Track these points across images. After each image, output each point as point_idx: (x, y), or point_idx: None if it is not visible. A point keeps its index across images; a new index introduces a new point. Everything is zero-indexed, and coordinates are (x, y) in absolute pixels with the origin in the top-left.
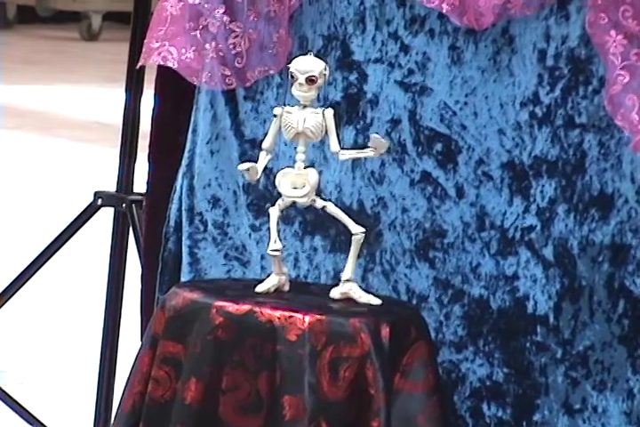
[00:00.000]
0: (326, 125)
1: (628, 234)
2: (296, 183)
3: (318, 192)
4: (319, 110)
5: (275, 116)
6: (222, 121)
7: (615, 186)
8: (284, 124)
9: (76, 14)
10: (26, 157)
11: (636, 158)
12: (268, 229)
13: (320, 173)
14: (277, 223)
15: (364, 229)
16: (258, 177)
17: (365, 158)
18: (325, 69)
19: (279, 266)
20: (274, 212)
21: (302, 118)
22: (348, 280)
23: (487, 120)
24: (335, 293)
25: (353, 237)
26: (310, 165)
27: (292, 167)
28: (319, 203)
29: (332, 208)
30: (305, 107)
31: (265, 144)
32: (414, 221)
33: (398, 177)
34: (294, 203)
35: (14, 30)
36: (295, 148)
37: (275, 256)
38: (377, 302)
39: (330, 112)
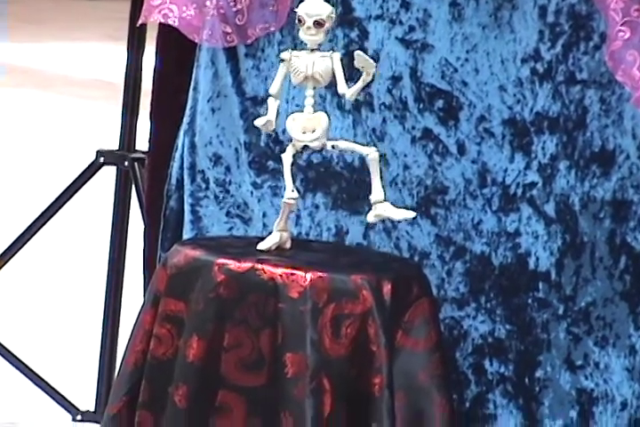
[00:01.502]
0: (333, 69)
1: (629, 190)
2: (307, 128)
3: (319, 149)
4: (327, 54)
5: (282, 60)
6: (223, 78)
7: (616, 142)
8: (292, 69)
9: None
10: (28, 114)
11: (637, 114)
12: (270, 186)
13: None
14: (291, 169)
15: (375, 149)
16: (274, 127)
17: (367, 116)
18: (332, 13)
19: (284, 220)
20: (286, 158)
21: (311, 62)
22: (378, 202)
23: (488, 76)
24: (370, 217)
25: (367, 159)
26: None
27: (301, 112)
28: (329, 144)
29: (343, 144)
30: (313, 51)
31: (272, 89)
32: (416, 178)
33: (399, 134)
34: (305, 147)
35: None
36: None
37: (289, 204)
38: (412, 215)
39: (337, 55)
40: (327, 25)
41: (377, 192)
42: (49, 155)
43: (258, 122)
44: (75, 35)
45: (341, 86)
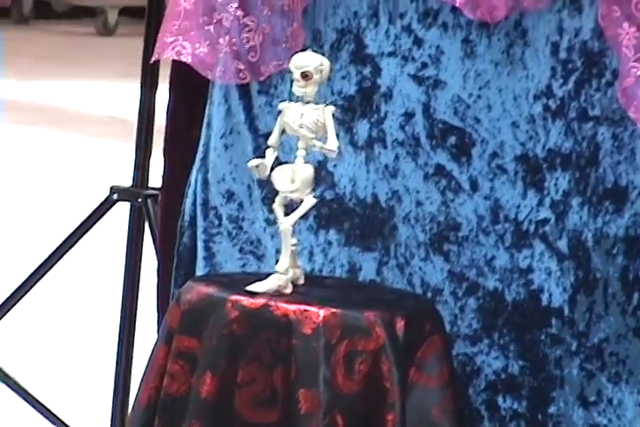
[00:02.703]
0: (325, 122)
1: None
2: (294, 179)
3: (332, 186)
4: (319, 106)
5: (279, 112)
6: (236, 115)
7: (629, 178)
8: (284, 120)
9: (92, 9)
10: (42, 152)
11: None
12: None
13: (334, 166)
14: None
15: (291, 223)
16: (267, 173)
17: (379, 153)
18: (322, 65)
19: (293, 260)
20: (277, 208)
21: (299, 114)
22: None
23: (501, 113)
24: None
25: (280, 226)
26: (324, 158)
27: (293, 163)
28: (305, 197)
29: (305, 201)
30: (308, 102)
31: (271, 140)
32: (428, 215)
33: (412, 170)
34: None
35: (30, 25)
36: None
37: (284, 231)
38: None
39: (329, 109)
40: (316, 77)
41: (280, 263)
42: (63, 191)
43: (251, 163)
44: (88, 72)
45: (331, 142)
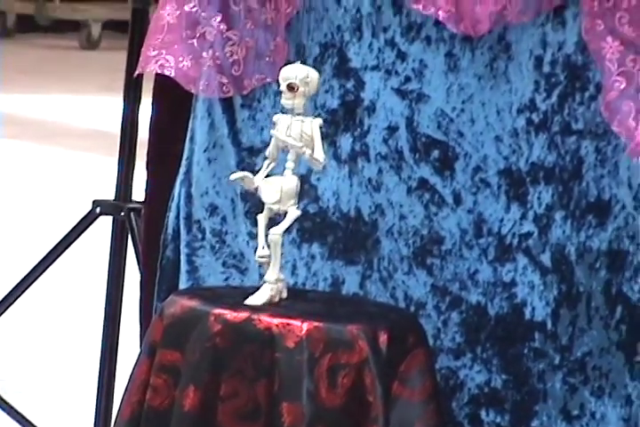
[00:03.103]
0: (313, 135)
1: (625, 240)
2: (278, 190)
3: (315, 199)
4: (307, 119)
5: (274, 123)
6: (220, 129)
7: (612, 192)
8: (273, 132)
9: (76, 23)
10: (25, 165)
11: (633, 165)
12: None
13: (318, 180)
14: (265, 230)
15: (280, 233)
16: (255, 186)
17: (363, 166)
18: (308, 77)
19: (275, 268)
20: (261, 219)
21: (286, 126)
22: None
23: (484, 127)
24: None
25: (269, 237)
26: (308, 172)
27: (281, 175)
28: (289, 209)
29: (289, 213)
30: (297, 115)
31: (267, 151)
32: (412, 228)
33: (395, 184)
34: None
35: (14, 39)
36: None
37: (262, 263)
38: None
39: (316, 122)
40: (302, 89)
41: (270, 273)
42: (45, 205)
43: (233, 176)
44: (71, 85)
45: (317, 154)
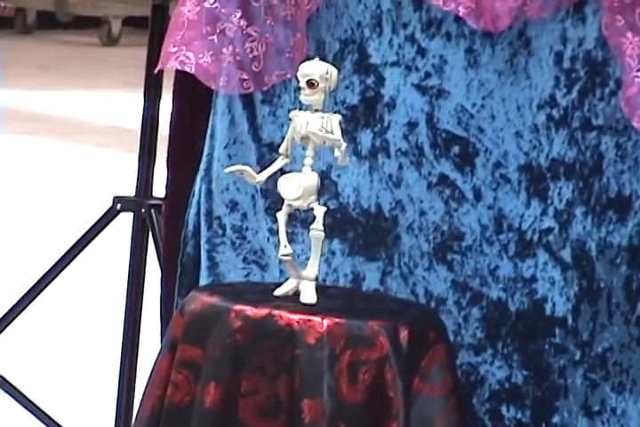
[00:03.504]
0: (333, 131)
1: None
2: (299, 187)
3: (336, 195)
4: (326, 115)
5: (290, 119)
6: (240, 125)
7: (632, 188)
8: (293, 128)
9: (96, 19)
10: (45, 162)
11: None
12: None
13: (338, 176)
14: (285, 227)
15: (322, 230)
16: (257, 180)
17: (383, 162)
18: (327, 73)
19: (294, 270)
20: (280, 216)
21: (306, 122)
22: (308, 278)
23: (504, 123)
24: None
25: (311, 236)
26: (328, 168)
27: (301, 171)
28: (313, 206)
29: (317, 210)
30: (316, 111)
31: (281, 148)
32: (432, 224)
33: (416, 180)
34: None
35: (34, 36)
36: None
37: (285, 261)
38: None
39: (336, 117)
40: (322, 85)
41: (310, 270)
42: (66, 202)
43: (229, 169)
44: (92, 82)
45: (340, 147)
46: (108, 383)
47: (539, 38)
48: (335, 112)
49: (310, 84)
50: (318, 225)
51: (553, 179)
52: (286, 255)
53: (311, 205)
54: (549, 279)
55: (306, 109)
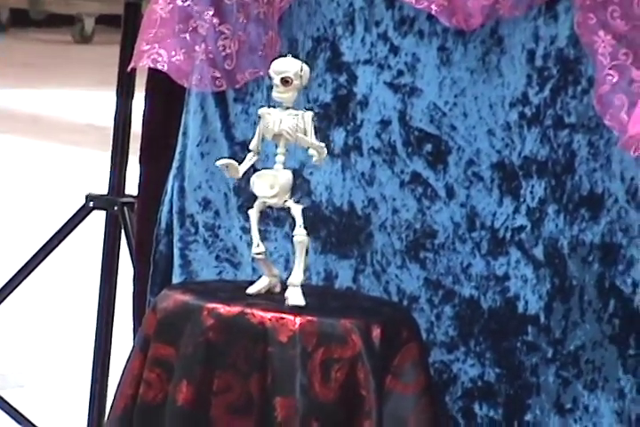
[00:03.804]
0: (305, 128)
1: (618, 233)
2: (272, 185)
3: (308, 193)
4: (299, 112)
5: (259, 117)
6: (213, 123)
7: (605, 186)
8: (264, 125)
9: (69, 17)
10: (18, 160)
11: (626, 158)
12: (259, 231)
13: (311, 174)
14: (258, 225)
15: (305, 233)
16: (239, 175)
17: (356, 160)
18: (302, 71)
19: (267, 268)
20: (252, 213)
21: (279, 119)
22: (293, 285)
23: (477, 121)
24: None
25: (294, 241)
26: (300, 166)
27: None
28: (289, 204)
29: (294, 211)
30: (287, 108)
31: (251, 145)
32: (405, 222)
33: (388, 178)
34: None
35: (8, 33)
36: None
37: (258, 259)
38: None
39: (309, 115)
40: (296, 82)
41: (296, 275)
42: (39, 199)
43: (219, 162)
44: (65, 80)
45: (313, 146)
46: (80, 382)
47: (511, 36)
48: (308, 110)
49: (284, 81)
50: (301, 230)
51: (525, 177)
52: (259, 253)
53: (286, 203)
54: (522, 277)
55: (276, 106)
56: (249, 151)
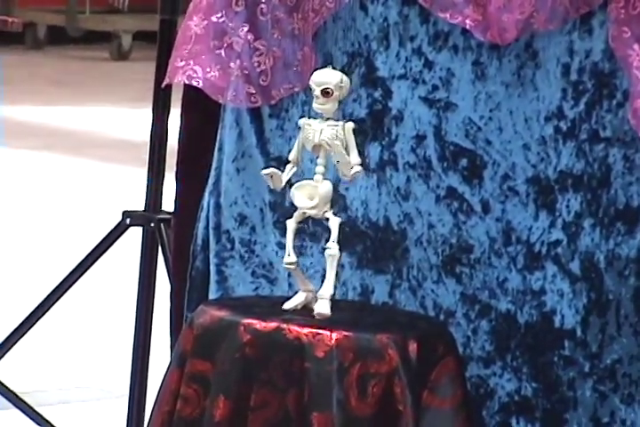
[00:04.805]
0: (346, 139)
1: None
2: (313, 195)
3: (344, 208)
4: (339, 123)
5: (299, 128)
6: (248, 139)
7: None
8: (304, 136)
9: (107, 34)
10: (56, 176)
11: None
12: (295, 246)
13: (346, 189)
14: (293, 236)
15: (337, 247)
16: (282, 185)
17: (391, 175)
18: (342, 82)
19: (301, 279)
20: (290, 224)
21: (319, 130)
22: (323, 297)
23: (512, 135)
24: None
25: (325, 254)
26: (336, 181)
27: (312, 179)
28: (328, 215)
29: (332, 222)
30: (328, 119)
31: (291, 156)
32: (440, 237)
33: (424, 193)
34: (309, 215)
35: (45, 51)
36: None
37: (290, 269)
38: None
39: (349, 125)
40: (336, 94)
41: (327, 288)
42: (76, 216)
43: (265, 171)
44: (103, 96)
45: (353, 157)
46: (118, 398)
47: (546, 50)
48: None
49: (325, 92)
50: (333, 244)
51: (561, 191)
52: (290, 264)
53: (326, 215)
54: (558, 291)
55: (315, 118)
56: (287, 164)
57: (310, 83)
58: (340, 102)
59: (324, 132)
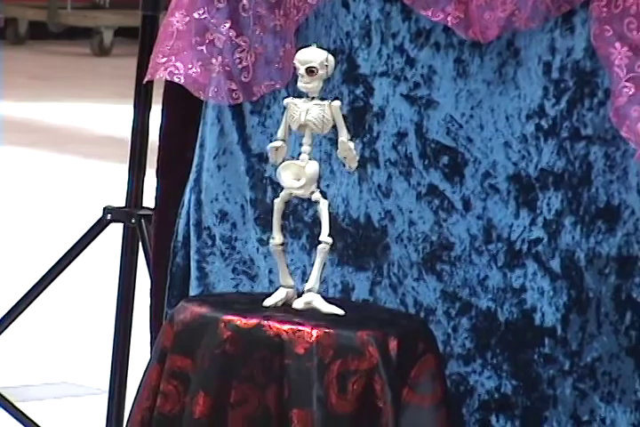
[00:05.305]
0: (334, 118)
1: (634, 245)
2: (299, 175)
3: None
4: (324, 102)
5: (284, 107)
6: (229, 135)
7: (621, 198)
8: (289, 116)
9: (88, 30)
10: (36, 172)
11: None
12: None
13: (327, 186)
14: (280, 216)
15: (331, 240)
16: (278, 162)
17: (372, 172)
18: (327, 60)
19: (283, 265)
20: (277, 204)
21: (305, 110)
22: (310, 290)
23: (493, 133)
24: (299, 303)
25: (318, 246)
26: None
27: (297, 159)
28: (315, 197)
29: (322, 207)
30: (313, 99)
31: (279, 134)
32: (421, 234)
33: (405, 190)
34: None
35: (26, 46)
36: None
37: (275, 251)
38: (340, 312)
39: (336, 104)
40: (321, 72)
41: (312, 280)
42: (56, 211)
43: (272, 144)
44: (84, 92)
45: (342, 135)
46: (98, 394)
47: (527, 48)
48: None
49: (310, 71)
50: (327, 238)
51: (542, 189)
52: (277, 246)
53: (313, 195)
54: (538, 289)
55: (300, 97)
56: (267, 164)
57: (295, 62)
58: (324, 81)
59: (311, 111)
